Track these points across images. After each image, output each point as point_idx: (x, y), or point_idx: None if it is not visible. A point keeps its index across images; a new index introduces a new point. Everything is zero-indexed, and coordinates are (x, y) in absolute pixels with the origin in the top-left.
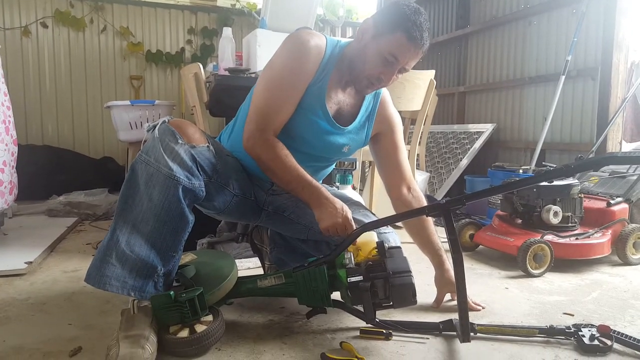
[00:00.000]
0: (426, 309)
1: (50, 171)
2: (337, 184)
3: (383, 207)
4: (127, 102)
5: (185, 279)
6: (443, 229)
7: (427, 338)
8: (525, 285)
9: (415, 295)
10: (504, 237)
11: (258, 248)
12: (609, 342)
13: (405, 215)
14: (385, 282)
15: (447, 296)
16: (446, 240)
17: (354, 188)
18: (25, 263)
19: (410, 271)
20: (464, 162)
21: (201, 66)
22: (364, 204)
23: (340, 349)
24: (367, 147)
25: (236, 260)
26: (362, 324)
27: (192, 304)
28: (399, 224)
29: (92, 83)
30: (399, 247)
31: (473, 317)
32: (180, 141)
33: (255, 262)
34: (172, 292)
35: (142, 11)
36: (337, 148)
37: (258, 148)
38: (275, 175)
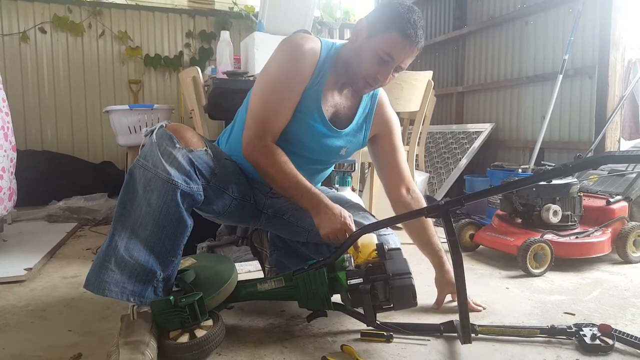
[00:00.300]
0: (427, 310)
1: (49, 176)
2: (337, 185)
3: (383, 208)
4: (126, 107)
5: (184, 283)
6: (443, 229)
7: (428, 340)
8: (525, 285)
9: (416, 297)
10: (504, 236)
11: (258, 251)
12: (610, 342)
13: (405, 216)
14: (385, 284)
15: (448, 297)
16: (446, 241)
17: (353, 190)
18: (25, 269)
19: (410, 273)
20: (463, 162)
21: (199, 70)
22: (363, 205)
23: (341, 352)
24: (366, 149)
25: (236, 264)
26: (362, 326)
27: (191, 308)
28: (399, 225)
29: (91, 88)
30: (398, 249)
31: (474, 318)
32: (177, 145)
33: (255, 265)
34: (171, 297)
35: (140, 15)
36: (334, 151)
37: (257, 154)
38: (274, 181)
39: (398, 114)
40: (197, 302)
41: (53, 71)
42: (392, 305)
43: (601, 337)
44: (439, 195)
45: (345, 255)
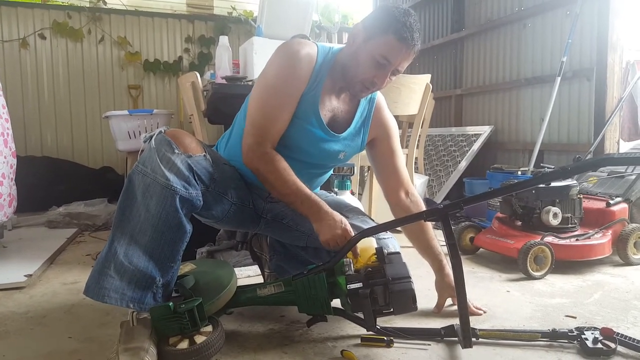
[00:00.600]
0: (427, 314)
1: (49, 182)
2: (336, 189)
3: (382, 212)
4: (126, 112)
5: (184, 289)
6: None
7: (429, 344)
8: (526, 287)
9: (416, 302)
10: (504, 239)
11: (257, 256)
12: (612, 345)
13: (404, 220)
14: (385, 289)
15: (449, 301)
16: (445, 244)
17: (352, 193)
18: (25, 276)
19: (409, 277)
20: (463, 164)
21: (198, 75)
22: (362, 209)
23: (341, 357)
24: (364, 152)
25: (236, 269)
26: (363, 331)
27: (191, 314)
28: (398, 228)
29: (91, 93)
30: (398, 253)
31: (475, 322)
32: (176, 151)
33: (255, 270)
34: (171, 303)
35: (139, 21)
36: (332, 155)
37: (257, 161)
38: (274, 188)
39: (397, 117)
40: (197, 308)
41: (53, 77)
42: (392, 309)
43: (603, 340)
44: (439, 198)
45: (345, 260)
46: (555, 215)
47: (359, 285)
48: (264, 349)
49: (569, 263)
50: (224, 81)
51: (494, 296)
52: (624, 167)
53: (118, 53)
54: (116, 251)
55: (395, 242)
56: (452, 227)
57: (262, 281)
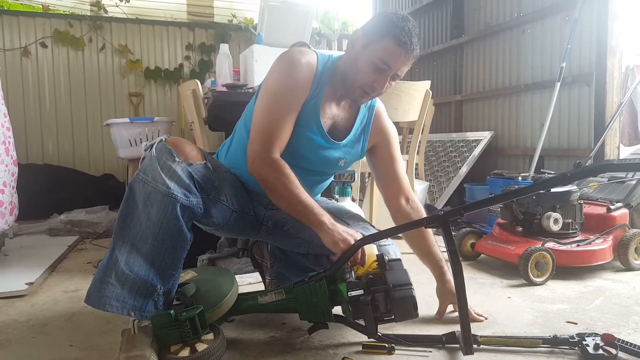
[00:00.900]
0: (429, 321)
1: (50, 190)
2: (336, 196)
3: (383, 218)
4: (127, 120)
5: (185, 297)
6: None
7: (430, 351)
8: (527, 294)
9: (417, 308)
10: (505, 245)
11: (259, 263)
12: (613, 351)
13: (404, 227)
14: (386, 296)
15: (450, 307)
16: (446, 251)
17: (353, 200)
18: (26, 284)
19: (410, 284)
20: (463, 170)
21: (199, 83)
22: (363, 216)
23: None
24: (364, 159)
25: (237, 276)
26: (364, 338)
27: (192, 322)
28: (399, 234)
29: (92, 101)
30: (399, 260)
31: (476, 328)
32: (177, 159)
33: (256, 277)
34: (172, 311)
35: (140, 29)
36: (333, 162)
37: (265, 169)
38: (283, 197)
39: (397, 123)
40: (198, 316)
41: (54, 85)
42: (393, 316)
43: (604, 346)
44: (440, 204)
45: (346, 267)
46: (556, 221)
47: (360, 292)
48: (265, 357)
49: (570, 269)
50: (224, 89)
51: (495, 302)
52: (624, 172)
53: (119, 61)
54: (117, 259)
55: (396, 248)
56: (453, 233)
57: (263, 288)
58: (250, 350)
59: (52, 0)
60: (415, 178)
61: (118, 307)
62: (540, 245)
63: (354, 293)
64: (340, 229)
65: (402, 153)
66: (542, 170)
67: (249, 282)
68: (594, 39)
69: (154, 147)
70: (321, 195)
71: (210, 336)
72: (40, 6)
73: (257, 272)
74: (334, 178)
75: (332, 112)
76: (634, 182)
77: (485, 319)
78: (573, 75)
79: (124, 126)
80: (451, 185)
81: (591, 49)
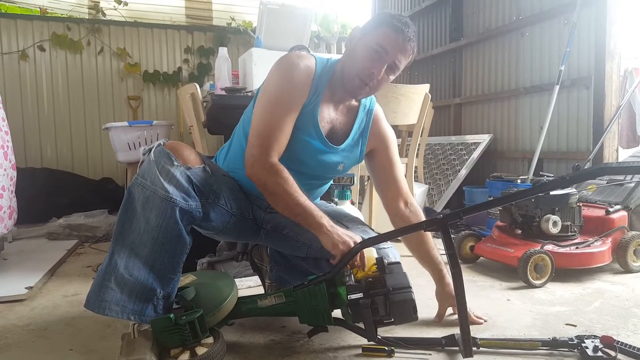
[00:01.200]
0: (428, 323)
1: (49, 194)
2: (336, 199)
3: (382, 221)
4: (125, 124)
5: (185, 301)
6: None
7: (430, 354)
8: (527, 296)
9: (416, 311)
10: (504, 248)
11: (258, 266)
12: (612, 353)
13: (403, 230)
14: (385, 299)
15: (449, 310)
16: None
17: (352, 203)
18: (26, 288)
19: (410, 287)
20: (462, 172)
21: (197, 86)
22: (362, 219)
23: None
24: (363, 163)
25: (236, 279)
26: (364, 341)
27: (192, 326)
28: (398, 237)
29: (90, 105)
30: (398, 263)
31: (475, 331)
32: (176, 163)
33: (255, 280)
34: (172, 315)
35: (138, 32)
36: (331, 166)
37: (263, 173)
38: (281, 200)
39: (396, 126)
40: (198, 320)
41: (52, 89)
42: (392, 319)
43: (603, 349)
44: (439, 207)
45: (345, 270)
46: (555, 223)
47: (360, 295)
48: None
49: (569, 271)
50: (223, 92)
51: (495, 305)
52: (622, 175)
53: (117, 64)
54: (116, 264)
55: (396, 251)
56: (452, 236)
57: (263, 292)
58: (250, 354)
59: (50, 3)
60: (415, 181)
61: (118, 311)
62: (539, 247)
63: (353, 296)
64: (340, 231)
65: (402, 156)
66: (541, 173)
67: (249, 285)
68: (593, 42)
69: (153, 151)
70: (320, 199)
71: (210, 340)
72: (38, 9)
73: (257, 276)
74: (333, 181)
75: (330, 116)
76: (632, 184)
77: (485, 321)
78: (572, 79)
79: (122, 130)
80: (450, 188)
81: (590, 52)
